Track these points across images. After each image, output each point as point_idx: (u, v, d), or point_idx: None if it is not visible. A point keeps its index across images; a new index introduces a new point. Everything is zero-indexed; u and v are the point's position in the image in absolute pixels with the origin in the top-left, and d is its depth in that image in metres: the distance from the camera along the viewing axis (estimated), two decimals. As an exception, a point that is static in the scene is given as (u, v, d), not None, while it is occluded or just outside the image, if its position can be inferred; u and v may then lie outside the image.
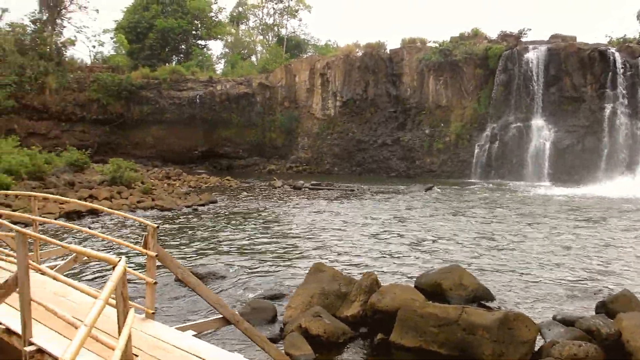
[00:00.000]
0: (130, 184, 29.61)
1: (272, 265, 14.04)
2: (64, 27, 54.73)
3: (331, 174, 49.58)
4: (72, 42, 54.33)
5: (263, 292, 11.39)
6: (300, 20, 76.16)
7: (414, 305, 7.99)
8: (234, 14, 70.52)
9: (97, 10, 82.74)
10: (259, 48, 72.17)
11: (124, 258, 3.49)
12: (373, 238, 17.86)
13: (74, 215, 21.99)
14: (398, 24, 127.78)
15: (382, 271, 12.77)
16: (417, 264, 13.95)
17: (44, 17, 52.48)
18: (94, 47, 74.71)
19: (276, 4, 68.50)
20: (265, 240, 17.70)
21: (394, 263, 14.11)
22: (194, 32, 63.01)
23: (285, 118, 53.10)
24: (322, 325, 8.16)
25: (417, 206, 26.54)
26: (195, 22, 62.79)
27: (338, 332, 8.28)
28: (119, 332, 3.48)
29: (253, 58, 69.70)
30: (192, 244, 17.01)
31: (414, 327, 7.69)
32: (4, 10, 64.74)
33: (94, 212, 22.84)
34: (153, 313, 5.53)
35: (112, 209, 8.85)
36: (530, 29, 51.27)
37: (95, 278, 12.21)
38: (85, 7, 54.92)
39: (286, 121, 53.07)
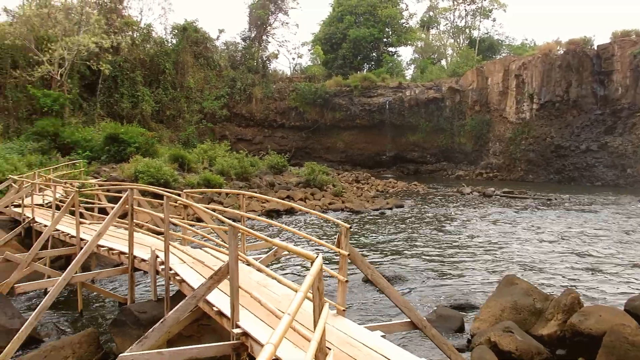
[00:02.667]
0: (323, 187, 31.36)
1: (458, 273, 13.61)
2: (269, 42, 60.44)
3: (525, 181, 46.25)
4: (275, 56, 59.71)
5: (449, 300, 11.12)
6: (494, 20, 73.01)
7: (624, 331, 7.03)
8: (425, 19, 70.26)
9: (297, 25, 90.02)
10: (450, 51, 70.80)
11: (320, 255, 3.67)
12: (571, 253, 16.21)
13: (273, 214, 24.03)
14: (606, 16, 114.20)
15: (581, 290, 11.52)
16: (625, 285, 12.28)
17: (252, 35, 58.46)
18: (293, 59, 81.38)
19: (468, 5, 66.45)
20: (451, 247, 17.23)
21: (596, 282, 12.62)
22: (384, 39, 64.30)
23: (476, 122, 51.14)
24: (513, 342, 7.65)
25: (628, 221, 23.36)
26: (386, 29, 64.00)
27: (532, 350, 7.67)
28: (314, 325, 3.66)
29: (443, 62, 68.61)
30: (378, 246, 17.32)
31: (623, 356, 6.77)
32: (221, 31, 73.91)
33: (290, 212, 24.68)
34: (344, 310, 5.76)
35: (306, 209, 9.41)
36: None
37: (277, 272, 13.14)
38: (287, 23, 60.17)
39: (477, 125, 51.09)
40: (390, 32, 64.61)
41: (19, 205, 15.97)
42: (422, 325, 6.05)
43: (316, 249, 14.26)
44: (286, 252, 9.02)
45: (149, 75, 47.43)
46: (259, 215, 21.18)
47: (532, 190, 36.19)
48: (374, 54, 65.06)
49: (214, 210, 8.18)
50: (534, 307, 9.01)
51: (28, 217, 14.60)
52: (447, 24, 71.19)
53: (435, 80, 54.23)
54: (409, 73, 66.90)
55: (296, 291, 4.22)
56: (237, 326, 5.33)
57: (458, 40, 70.12)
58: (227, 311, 5.60)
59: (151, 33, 50.13)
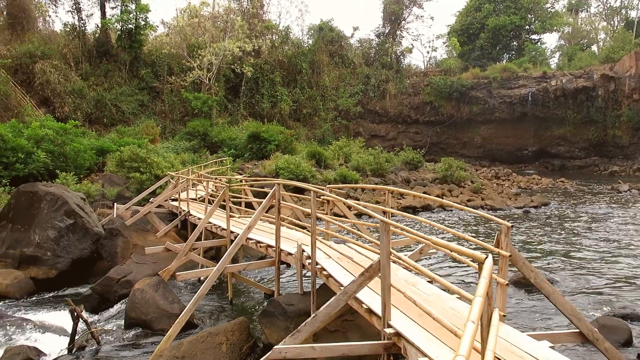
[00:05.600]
0: (460, 183, 30.20)
1: (619, 279, 12.21)
2: (403, 37, 59.72)
3: (698, 178, 40.51)
4: (409, 50, 58.74)
5: (611, 309, 10.00)
6: (657, -3, 64.81)
7: None
8: (572, 2, 64.59)
9: (432, 18, 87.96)
10: (602, 36, 64.35)
11: (490, 255, 3.35)
12: None
13: (409, 210, 23.60)
14: None
15: None
16: None
17: (386, 31, 58.15)
18: (428, 52, 79.72)
19: (625, -18, 59.81)
20: (608, 250, 15.54)
21: None
22: (527, 26, 60.27)
23: (634, 112, 45.86)
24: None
25: None
26: (529, 16, 59.93)
27: None
28: (482, 332, 3.36)
29: (594, 47, 62.58)
30: (524, 247, 16.18)
31: None
32: (355, 29, 74.74)
33: (426, 208, 24.08)
34: (504, 316, 5.33)
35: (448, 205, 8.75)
36: None
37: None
38: (421, 17, 58.82)
39: (635, 116, 45.81)
40: (534, 19, 60.37)
41: (176, 200, 17.40)
42: (594, 337, 5.40)
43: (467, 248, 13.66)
44: (432, 250, 8.67)
45: (287, 76, 49.36)
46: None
47: None
48: (514, 43, 61.33)
49: (361, 206, 8.10)
50: None
51: (184, 210, 15.83)
52: (599, 5, 64.96)
53: (585, 68, 49.62)
54: (553, 61, 62.01)
55: (450, 291, 3.94)
56: (389, 326, 5.17)
57: (612, 22, 63.48)
58: (377, 309, 5.47)
59: (289, 35, 52.11)
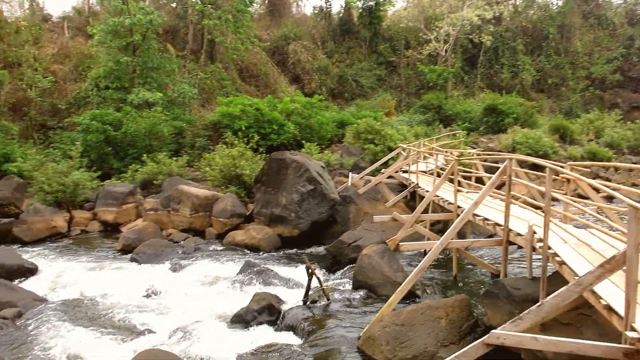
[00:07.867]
0: None
1: None
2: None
3: None
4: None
5: None
6: None
7: None
8: None
9: None
10: None
11: None
12: None
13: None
14: None
15: None
16: None
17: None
18: None
19: None
20: None
21: None
22: None
23: None
24: None
25: None
26: None
27: None
28: None
29: None
30: None
31: None
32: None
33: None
34: None
35: None
36: None
37: None
38: None
39: None
40: None
41: (406, 171, 17.70)
42: None
43: None
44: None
45: (530, 43, 45.58)
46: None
47: None
48: None
49: (610, 188, 7.04)
50: None
51: (413, 182, 16.01)
52: None
53: None
54: None
55: None
56: (632, 329, 4.42)
57: None
58: (619, 308, 4.71)
59: (536, -3, 47.88)
